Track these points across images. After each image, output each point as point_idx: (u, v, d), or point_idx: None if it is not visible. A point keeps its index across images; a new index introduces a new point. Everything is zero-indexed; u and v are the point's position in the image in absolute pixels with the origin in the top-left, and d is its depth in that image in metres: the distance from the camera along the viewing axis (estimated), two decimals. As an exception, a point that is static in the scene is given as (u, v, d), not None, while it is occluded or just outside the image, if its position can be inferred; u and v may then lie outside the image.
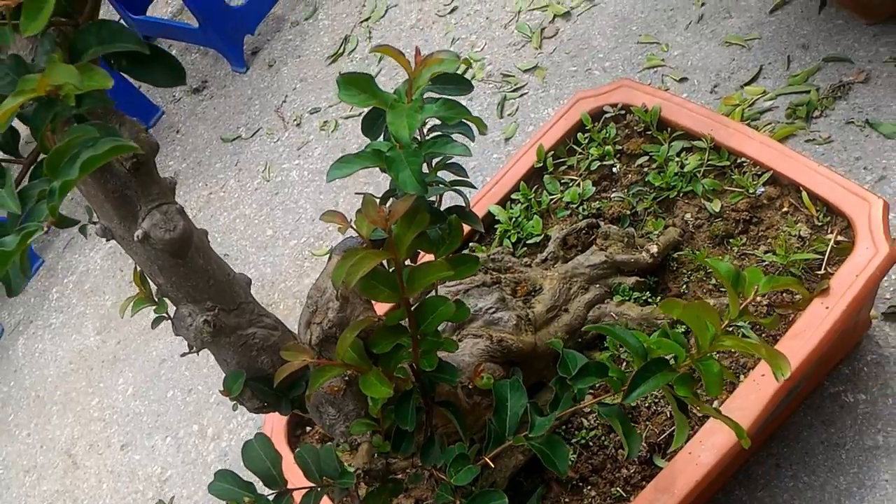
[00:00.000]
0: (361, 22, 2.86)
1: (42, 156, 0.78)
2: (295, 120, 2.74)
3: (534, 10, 2.51)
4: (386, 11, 2.82)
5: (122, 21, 3.01)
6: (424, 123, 1.00)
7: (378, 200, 0.93)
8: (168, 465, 2.12)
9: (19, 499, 2.27)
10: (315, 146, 2.62)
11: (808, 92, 1.96)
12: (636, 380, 0.85)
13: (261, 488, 0.99)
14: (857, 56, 1.95)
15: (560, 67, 2.35)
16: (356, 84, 0.89)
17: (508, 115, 2.35)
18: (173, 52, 3.31)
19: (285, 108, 2.81)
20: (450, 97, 0.98)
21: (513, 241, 1.72)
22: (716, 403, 1.39)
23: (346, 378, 1.02)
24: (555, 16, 2.46)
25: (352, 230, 0.97)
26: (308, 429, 1.68)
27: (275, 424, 1.68)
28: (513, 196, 1.78)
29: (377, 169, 0.97)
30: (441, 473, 0.97)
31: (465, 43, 2.57)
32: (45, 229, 0.66)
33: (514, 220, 1.74)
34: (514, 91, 2.38)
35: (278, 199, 2.55)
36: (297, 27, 3.03)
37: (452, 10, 2.67)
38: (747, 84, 2.06)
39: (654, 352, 0.87)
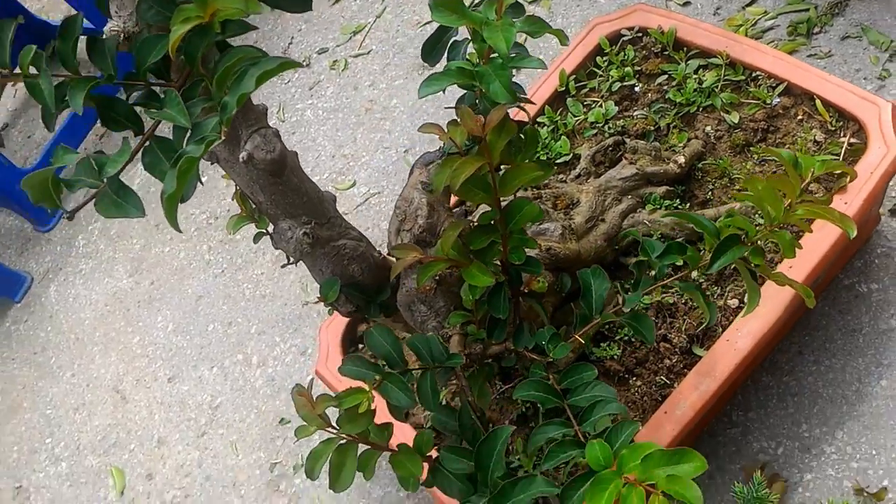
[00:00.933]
0: (363, -39, 2.91)
1: (192, 79, 0.88)
2: (304, 60, 2.81)
3: (535, -58, 2.59)
4: (386, -51, 2.88)
5: None
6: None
7: (470, 110, 1.02)
8: (217, 392, 2.23)
9: (72, 434, 2.38)
10: (327, 85, 2.70)
11: (808, 10, 2.07)
12: (716, 253, 0.98)
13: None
14: (853, -28, 2.06)
15: (565, -3, 2.44)
16: (447, 6, 0.98)
17: (523, 42, 2.43)
18: None
19: (292, 49, 2.88)
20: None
21: (543, 161, 1.83)
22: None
23: (437, 278, 1.14)
24: (557, -53, 2.54)
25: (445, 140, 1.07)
26: (360, 346, 1.80)
27: (330, 343, 1.80)
28: (539, 119, 1.89)
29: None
30: (533, 354, 1.09)
31: (469, -22, 2.65)
32: (222, 137, 0.77)
33: (542, 141, 1.85)
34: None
35: (296, 138, 2.63)
36: (298, -30, 3.08)
37: (454, -54, 2.74)
38: (749, 5, 2.16)
39: (725, 231, 0.99)
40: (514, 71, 1.05)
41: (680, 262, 1.07)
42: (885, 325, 1.66)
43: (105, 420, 2.35)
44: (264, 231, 1.24)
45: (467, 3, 1.05)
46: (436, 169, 1.04)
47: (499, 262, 1.10)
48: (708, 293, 1.56)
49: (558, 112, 1.89)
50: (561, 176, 1.76)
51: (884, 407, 1.59)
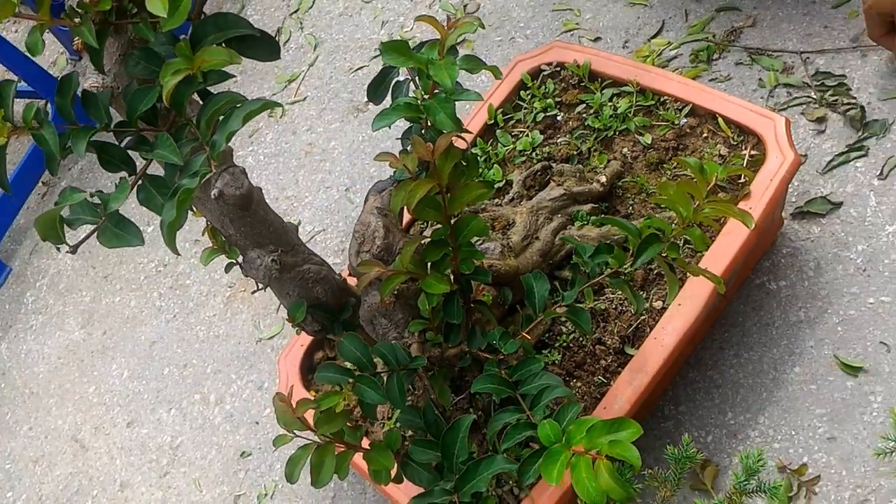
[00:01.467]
0: (291, 14, 3.06)
1: (178, 124, 1.00)
2: (240, 111, 2.93)
3: (453, -11, 2.77)
4: (313, 2, 3.03)
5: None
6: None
7: (421, 139, 1.16)
8: (177, 433, 2.31)
9: (33, 486, 2.42)
10: (266, 132, 2.82)
11: (706, 39, 2.28)
12: (639, 250, 1.13)
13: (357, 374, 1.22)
14: (743, 4, 2.28)
15: (486, 39, 2.62)
16: (396, 50, 1.13)
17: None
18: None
19: (228, 101, 2.99)
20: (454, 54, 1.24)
21: (478, 188, 1.98)
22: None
23: (396, 292, 1.27)
24: (474, -7, 2.73)
25: (386, 170, 1.21)
26: (310, 376, 1.91)
27: (289, 371, 1.91)
28: (472, 150, 2.05)
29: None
30: (486, 353, 1.23)
31: (394, 25, 2.81)
32: (213, 170, 0.89)
33: (478, 169, 2.00)
34: (447, 63, 2.63)
35: (237, 184, 2.74)
36: (227, 25, 3.21)
37: (377, -4, 2.91)
38: (653, 37, 2.37)
39: (646, 231, 1.15)
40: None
41: (611, 262, 1.22)
42: (795, 317, 1.83)
43: (66, 469, 2.40)
44: (234, 261, 1.35)
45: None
46: (392, 193, 1.17)
47: (451, 273, 1.23)
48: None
49: (489, 143, 2.05)
50: (496, 200, 1.91)
51: (799, 391, 1.76)
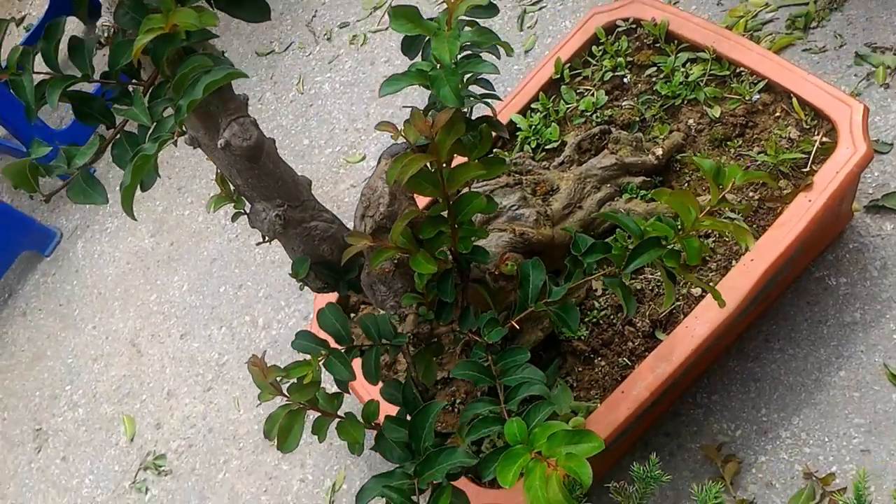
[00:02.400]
0: (386, -63, 2.98)
1: (159, 79, 0.98)
2: (325, 34, 2.90)
3: (552, -76, 2.64)
4: (410, -73, 2.94)
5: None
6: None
7: (421, 112, 1.11)
8: (224, 351, 2.37)
9: (90, 383, 2.54)
10: (345, 59, 2.79)
11: (807, 4, 2.10)
12: (633, 254, 1.06)
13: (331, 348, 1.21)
14: (854, -32, 2.09)
15: (576, -19, 2.49)
16: (404, 16, 1.07)
17: (528, 27, 2.50)
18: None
19: (315, 22, 2.97)
20: (480, 23, 1.17)
21: (532, 146, 1.91)
22: (711, 285, 1.61)
23: (396, 260, 1.23)
24: (571, -70, 2.59)
25: (400, 137, 1.16)
26: (352, 315, 1.91)
27: (323, 311, 1.91)
28: (532, 105, 1.97)
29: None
30: (476, 336, 1.19)
31: (486, -42, 2.71)
32: (175, 139, 0.87)
33: (533, 127, 1.93)
34: (533, 4, 2.53)
35: (313, 110, 2.73)
36: (325, -57, 3.16)
37: (474, -74, 2.80)
38: (752, -5, 2.20)
39: (649, 233, 1.07)
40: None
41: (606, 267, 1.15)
42: (850, 317, 1.72)
43: (121, 371, 2.50)
44: (242, 211, 1.34)
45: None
46: (387, 164, 1.13)
47: (448, 251, 1.19)
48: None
49: (552, 99, 1.96)
50: (545, 163, 1.84)
51: (840, 397, 1.66)
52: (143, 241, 2.76)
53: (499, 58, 1.24)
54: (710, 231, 1.67)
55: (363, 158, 2.51)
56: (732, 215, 1.63)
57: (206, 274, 2.55)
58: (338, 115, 2.66)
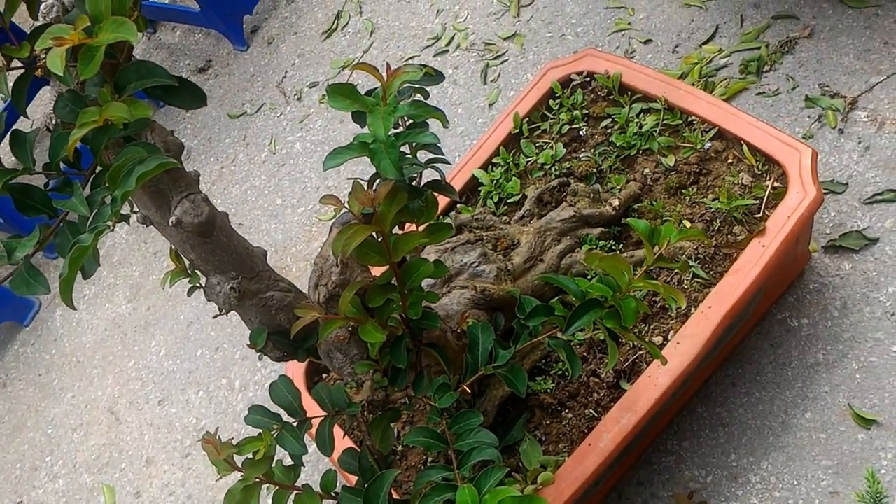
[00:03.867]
0: (352, -3, 3.04)
1: (98, 169, 1.00)
2: (296, 94, 2.94)
3: (511, -21, 2.69)
4: (374, -14, 3.00)
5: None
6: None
7: (366, 183, 1.14)
8: (202, 415, 2.37)
9: (70, 453, 2.53)
10: (316, 118, 2.83)
11: (759, 48, 2.15)
12: (573, 316, 1.08)
13: (283, 421, 1.23)
14: (802, 13, 2.14)
15: (537, 34, 2.54)
16: (342, 93, 1.10)
17: (491, 80, 2.55)
18: (176, 34, 3.51)
19: (286, 83, 3.01)
20: (429, 89, 1.20)
21: (495, 200, 1.94)
22: (671, 333, 1.62)
23: (350, 328, 1.25)
24: (530, -16, 2.65)
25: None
26: (324, 376, 1.92)
27: (295, 372, 1.92)
28: (494, 160, 2.00)
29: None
30: (431, 401, 1.20)
31: (449, 14, 2.76)
32: (112, 227, 0.89)
33: (495, 181, 1.95)
34: (495, 58, 2.57)
35: (285, 170, 2.76)
36: (293, 4, 3.22)
37: (436, -17, 2.86)
38: (705, 43, 2.25)
39: (590, 294, 1.09)
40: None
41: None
42: (813, 358, 1.73)
43: (100, 440, 2.50)
44: (197, 285, 1.36)
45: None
46: (334, 234, 1.15)
47: (399, 317, 1.21)
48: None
49: (512, 153, 1.99)
50: (506, 217, 1.86)
51: (807, 439, 1.67)
52: (121, 307, 2.77)
53: (446, 125, 1.26)
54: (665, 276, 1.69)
55: (335, 216, 2.53)
56: (690, 263, 1.66)
57: (183, 338, 2.56)
58: (309, 174, 2.69)
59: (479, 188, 1.97)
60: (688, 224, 1.71)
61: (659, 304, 1.68)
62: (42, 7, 1.10)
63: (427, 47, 2.74)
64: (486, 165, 2.00)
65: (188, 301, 2.63)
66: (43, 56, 1.03)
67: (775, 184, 1.69)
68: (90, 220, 0.94)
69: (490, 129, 2.05)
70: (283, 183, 2.73)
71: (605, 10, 2.47)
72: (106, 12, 0.87)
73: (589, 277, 1.72)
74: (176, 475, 2.30)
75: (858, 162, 1.88)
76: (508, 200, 1.93)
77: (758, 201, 1.68)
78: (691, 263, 1.67)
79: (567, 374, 1.68)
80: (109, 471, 2.42)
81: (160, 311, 2.68)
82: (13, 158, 1.05)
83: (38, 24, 1.04)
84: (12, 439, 2.67)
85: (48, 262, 3.07)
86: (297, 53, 3.05)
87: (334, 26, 3.02)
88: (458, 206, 1.96)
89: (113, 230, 0.89)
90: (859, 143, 1.90)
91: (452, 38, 2.70)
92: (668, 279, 1.68)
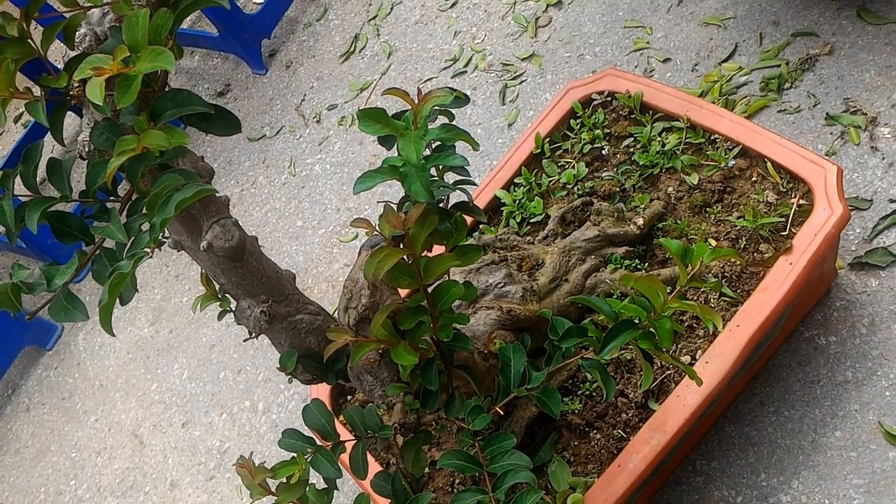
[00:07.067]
0: (369, 20, 3.06)
1: (135, 196, 1.01)
2: (314, 117, 2.96)
3: (528, 0, 2.71)
4: (392, 9, 3.02)
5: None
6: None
7: (396, 205, 1.14)
8: (226, 438, 2.37)
9: (94, 477, 2.54)
10: (335, 140, 2.84)
11: (779, 66, 2.15)
12: (607, 337, 1.08)
13: (317, 445, 1.23)
14: (822, 30, 2.14)
15: (555, 54, 2.55)
16: (372, 117, 1.10)
17: (510, 101, 2.55)
18: (195, 58, 3.54)
19: (304, 106, 3.03)
20: (454, 111, 1.21)
21: (518, 220, 1.94)
22: (699, 352, 1.62)
23: (380, 351, 1.25)
24: (548, 5, 2.66)
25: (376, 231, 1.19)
26: (349, 397, 1.92)
27: (320, 395, 1.92)
28: (516, 180, 2.00)
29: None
30: (462, 423, 1.20)
31: (466, 35, 2.78)
32: (151, 254, 0.89)
33: (517, 201, 1.96)
34: (513, 79, 2.58)
35: (305, 192, 2.78)
36: (310, 28, 3.24)
37: (453, 5, 2.87)
38: (724, 61, 2.25)
39: (623, 315, 1.09)
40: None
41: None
42: (842, 376, 1.72)
43: (124, 463, 2.50)
44: (228, 309, 1.36)
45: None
46: (365, 258, 1.15)
47: (430, 339, 1.21)
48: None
49: (534, 173, 2.00)
50: (529, 238, 1.86)
51: (837, 458, 1.65)
52: (143, 330, 2.78)
53: (476, 148, 1.27)
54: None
55: (356, 237, 2.54)
56: (712, 280, 1.65)
57: (206, 360, 2.57)
58: (329, 196, 2.71)
59: (502, 208, 1.97)
60: (713, 242, 1.70)
61: (686, 323, 1.68)
62: (76, 37, 1.11)
63: (445, 69, 2.75)
64: (509, 185, 2.01)
65: (210, 324, 2.64)
66: (76, 85, 1.05)
67: (801, 201, 1.68)
68: (128, 246, 0.94)
69: (511, 150, 2.05)
70: (304, 205, 2.74)
71: (622, 29, 2.47)
72: (143, 42, 0.88)
73: (616, 297, 1.72)
74: (200, 498, 2.30)
75: (882, 178, 1.87)
76: (531, 220, 1.93)
77: (783, 219, 1.67)
78: (713, 280, 1.66)
79: (594, 394, 1.68)
80: (134, 494, 2.42)
81: (182, 333, 2.68)
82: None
83: (73, 54, 1.05)
84: (36, 463, 2.68)
85: (72, 287, 3.09)
86: (315, 76, 3.07)
87: (352, 49, 3.04)
88: (481, 226, 1.97)
89: (152, 256, 0.90)
90: (883, 159, 1.89)
91: (470, 59, 2.71)
92: (695, 298, 1.68)
